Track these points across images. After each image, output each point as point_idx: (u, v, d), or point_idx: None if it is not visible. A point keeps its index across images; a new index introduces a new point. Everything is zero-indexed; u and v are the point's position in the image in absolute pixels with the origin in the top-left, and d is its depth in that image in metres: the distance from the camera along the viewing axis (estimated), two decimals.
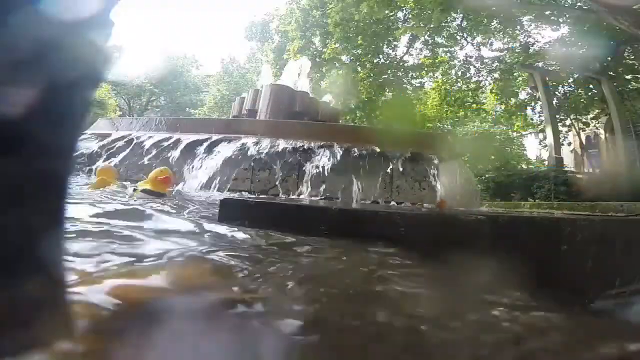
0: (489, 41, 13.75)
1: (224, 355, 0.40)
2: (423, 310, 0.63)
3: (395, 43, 14.29)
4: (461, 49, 14.14)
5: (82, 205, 1.27)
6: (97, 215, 1.12)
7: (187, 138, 3.01)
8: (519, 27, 12.80)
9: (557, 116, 13.13)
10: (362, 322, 0.54)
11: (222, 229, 1.02)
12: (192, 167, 2.83)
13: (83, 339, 0.36)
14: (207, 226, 1.06)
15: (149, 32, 60.30)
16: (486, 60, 14.03)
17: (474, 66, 14.34)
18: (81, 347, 0.35)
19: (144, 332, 0.42)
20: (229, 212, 1.12)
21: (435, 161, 2.81)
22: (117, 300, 0.47)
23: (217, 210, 1.18)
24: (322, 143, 2.84)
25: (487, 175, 10.69)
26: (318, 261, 0.81)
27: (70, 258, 0.66)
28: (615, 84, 11.57)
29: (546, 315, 0.67)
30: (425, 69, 14.59)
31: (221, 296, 0.54)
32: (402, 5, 12.40)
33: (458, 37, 13.68)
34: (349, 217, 0.99)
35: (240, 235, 0.97)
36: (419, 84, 15.49)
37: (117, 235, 0.86)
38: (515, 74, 13.90)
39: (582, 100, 13.37)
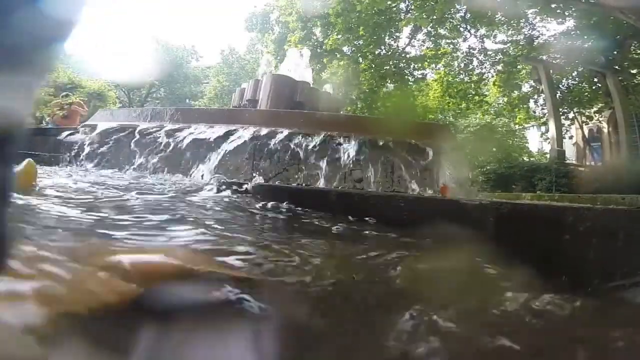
0: (493, 33, 13.58)
1: None
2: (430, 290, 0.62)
3: (397, 34, 14.12)
4: (464, 40, 13.99)
5: None
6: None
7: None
8: (523, 19, 12.62)
9: (560, 109, 13.04)
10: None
11: None
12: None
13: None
14: None
15: (148, 24, 59.68)
16: (489, 53, 13.88)
17: (477, 58, 14.19)
18: None
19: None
20: None
21: (431, 151, 2.79)
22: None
23: None
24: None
25: (488, 167, 10.67)
26: None
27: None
28: (620, 78, 11.46)
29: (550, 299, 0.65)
30: (428, 60, 14.44)
31: None
32: None
33: (461, 29, 13.51)
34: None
35: None
36: (420, 76, 15.35)
37: None
38: (518, 67, 13.76)
39: (585, 93, 13.26)
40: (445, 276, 0.74)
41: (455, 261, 0.82)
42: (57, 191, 1.22)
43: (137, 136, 3.14)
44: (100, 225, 0.84)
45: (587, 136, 14.67)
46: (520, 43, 12.97)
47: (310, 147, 2.73)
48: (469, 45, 14.04)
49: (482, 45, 13.80)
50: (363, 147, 2.74)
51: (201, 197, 1.41)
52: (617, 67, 11.44)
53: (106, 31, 45.21)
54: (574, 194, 6.38)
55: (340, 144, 2.73)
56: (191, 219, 1.00)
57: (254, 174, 2.73)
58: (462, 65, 14.47)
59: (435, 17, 12.04)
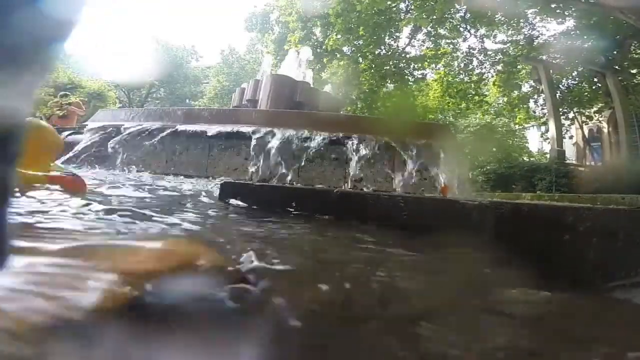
0: (493, 33, 13.58)
1: None
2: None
3: (397, 34, 14.11)
4: (464, 40, 13.98)
5: None
6: None
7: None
8: (523, 19, 12.62)
9: (560, 109, 13.04)
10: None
11: None
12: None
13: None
14: None
15: (148, 24, 59.67)
16: (489, 53, 13.87)
17: (477, 58, 14.18)
18: None
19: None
20: None
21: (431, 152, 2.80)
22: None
23: None
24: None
25: (488, 167, 10.67)
26: None
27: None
28: (620, 77, 11.45)
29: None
30: (428, 60, 14.43)
31: None
32: None
33: (461, 29, 13.51)
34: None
35: None
36: (420, 76, 15.35)
37: None
38: (518, 67, 13.75)
39: (585, 93, 13.25)
40: (444, 276, 0.74)
41: (454, 260, 0.82)
42: None
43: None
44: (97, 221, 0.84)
45: (587, 136, 14.67)
46: (520, 43, 12.95)
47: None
48: (469, 45, 14.05)
49: (482, 45, 13.80)
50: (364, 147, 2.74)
51: None
52: (617, 67, 11.44)
53: (106, 31, 45.25)
54: (574, 194, 6.38)
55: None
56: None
57: None
58: (462, 65, 14.46)
59: (435, 17, 12.03)
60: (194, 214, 1.08)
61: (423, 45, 14.43)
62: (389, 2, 12.30)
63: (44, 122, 1.33)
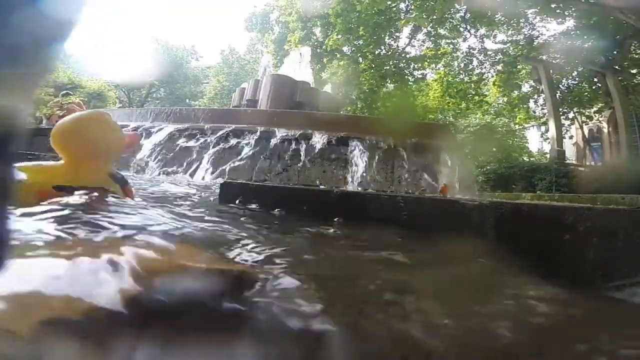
0: (493, 33, 13.58)
1: None
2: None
3: (397, 34, 14.12)
4: (464, 40, 13.99)
5: None
6: None
7: None
8: (523, 19, 12.62)
9: (560, 109, 13.04)
10: None
11: None
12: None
13: None
14: None
15: (148, 24, 59.69)
16: (489, 53, 13.87)
17: (477, 58, 14.19)
18: None
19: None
20: None
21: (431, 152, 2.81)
22: None
23: None
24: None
25: (488, 167, 10.67)
26: None
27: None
28: (620, 77, 11.46)
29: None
30: (428, 60, 14.43)
31: None
32: None
33: (461, 29, 13.52)
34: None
35: None
36: (420, 76, 15.35)
37: None
38: (518, 67, 13.75)
39: (585, 93, 13.26)
40: (444, 276, 0.73)
41: (454, 261, 0.82)
42: None
43: None
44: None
45: (587, 136, 14.67)
46: (520, 43, 12.96)
47: None
48: (469, 45, 14.05)
49: (482, 45, 13.81)
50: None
51: None
52: (617, 67, 11.44)
53: (106, 31, 45.34)
54: (574, 194, 6.38)
55: None
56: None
57: None
58: (462, 65, 14.46)
59: (435, 17, 12.04)
60: (192, 214, 1.08)
61: (423, 45, 14.43)
62: (389, 2, 12.31)
63: (107, 116, 0.99)
